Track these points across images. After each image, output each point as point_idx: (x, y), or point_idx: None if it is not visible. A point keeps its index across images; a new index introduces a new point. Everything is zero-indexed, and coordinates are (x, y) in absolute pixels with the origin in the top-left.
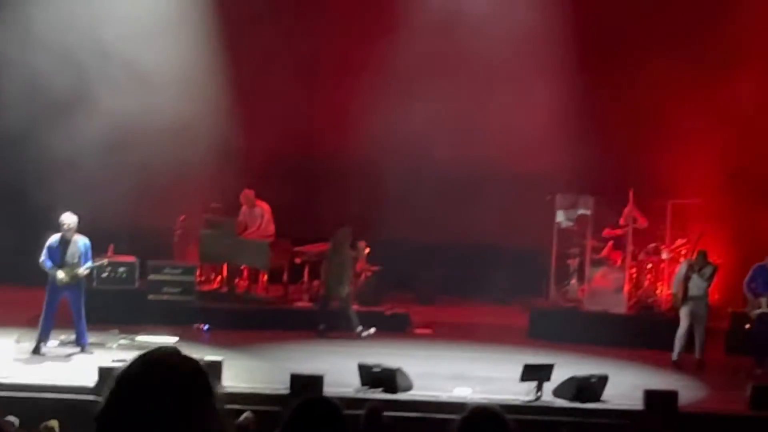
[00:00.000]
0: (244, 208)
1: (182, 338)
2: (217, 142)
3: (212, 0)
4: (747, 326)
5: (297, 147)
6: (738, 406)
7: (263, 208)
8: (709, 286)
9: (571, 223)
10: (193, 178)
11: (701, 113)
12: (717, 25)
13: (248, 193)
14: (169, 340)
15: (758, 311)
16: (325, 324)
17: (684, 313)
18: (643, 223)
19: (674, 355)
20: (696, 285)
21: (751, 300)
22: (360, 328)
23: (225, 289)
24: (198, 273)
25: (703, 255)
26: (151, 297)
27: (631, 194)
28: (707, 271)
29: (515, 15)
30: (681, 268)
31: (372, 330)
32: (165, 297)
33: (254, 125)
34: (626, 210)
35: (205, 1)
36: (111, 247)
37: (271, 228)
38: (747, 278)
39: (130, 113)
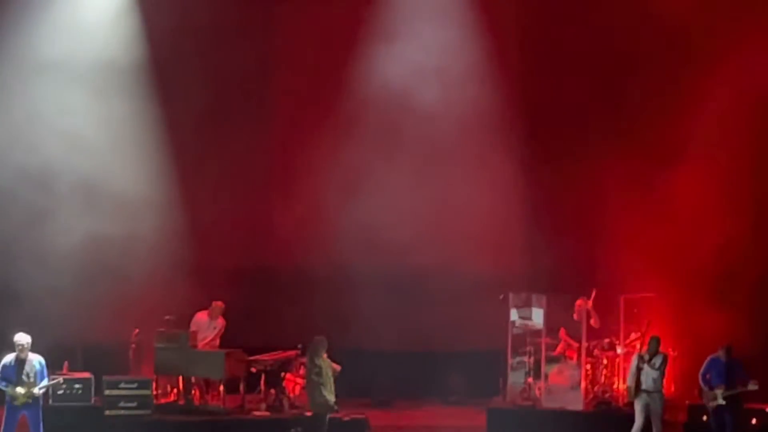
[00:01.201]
0: (199, 318)
1: None
2: (168, 254)
3: (159, 107)
4: (704, 418)
5: (246, 256)
6: None
7: (222, 323)
8: (662, 375)
9: (525, 322)
10: (145, 291)
11: (647, 210)
12: (663, 122)
13: (219, 305)
14: None
15: (714, 403)
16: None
17: (639, 408)
18: (595, 323)
19: None
20: (648, 376)
21: (705, 392)
22: None
23: (182, 402)
24: (154, 386)
25: (655, 342)
26: (107, 412)
27: (593, 293)
28: (657, 360)
29: (466, 125)
30: (633, 361)
31: None
32: (122, 412)
33: (203, 236)
34: (578, 303)
35: (153, 111)
36: (66, 363)
37: (217, 342)
38: (702, 370)
39: (81, 229)
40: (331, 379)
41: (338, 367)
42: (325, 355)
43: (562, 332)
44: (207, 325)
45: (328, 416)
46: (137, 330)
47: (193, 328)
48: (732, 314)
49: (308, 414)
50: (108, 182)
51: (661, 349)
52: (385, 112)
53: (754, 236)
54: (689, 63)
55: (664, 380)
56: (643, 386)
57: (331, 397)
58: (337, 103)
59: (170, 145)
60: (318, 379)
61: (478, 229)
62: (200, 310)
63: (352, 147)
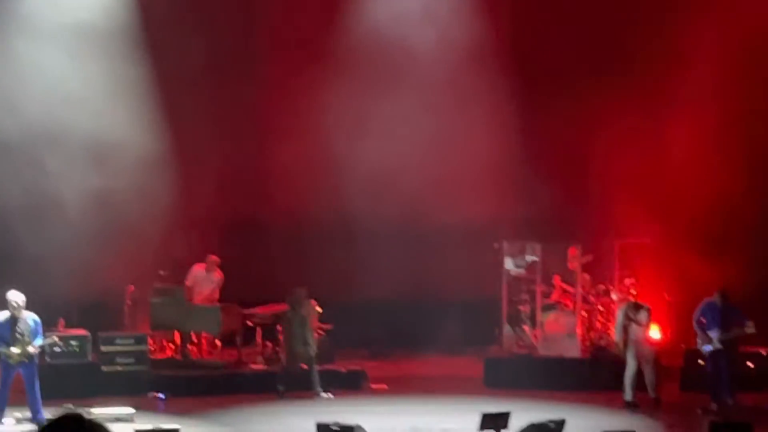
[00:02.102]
0: (196, 271)
1: (138, 408)
2: (162, 209)
3: (150, 63)
4: (700, 362)
5: (241, 209)
6: None
7: (219, 276)
8: (648, 327)
9: (520, 270)
10: (140, 246)
11: (642, 156)
12: (658, 68)
13: (214, 259)
14: (124, 411)
15: (709, 347)
16: (284, 385)
17: (630, 355)
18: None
19: (627, 396)
20: (636, 330)
21: (701, 336)
22: (320, 389)
23: (178, 357)
24: (150, 342)
25: (633, 304)
26: (104, 369)
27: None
28: (642, 316)
29: (459, 67)
30: (618, 316)
31: (331, 396)
32: (119, 368)
33: (198, 190)
34: (572, 251)
35: (144, 67)
36: (61, 321)
37: (217, 294)
38: (696, 314)
39: (73, 186)
40: (312, 332)
41: (326, 326)
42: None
43: (556, 279)
44: (204, 278)
45: (315, 367)
46: (132, 286)
47: (189, 281)
48: (727, 259)
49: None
50: (101, 138)
51: (651, 298)
52: (377, 56)
53: (749, 182)
54: (684, 8)
55: (653, 330)
56: (632, 337)
57: (310, 350)
58: (329, 47)
59: (163, 99)
60: (299, 331)
61: (473, 177)
62: (197, 263)
63: (344, 93)
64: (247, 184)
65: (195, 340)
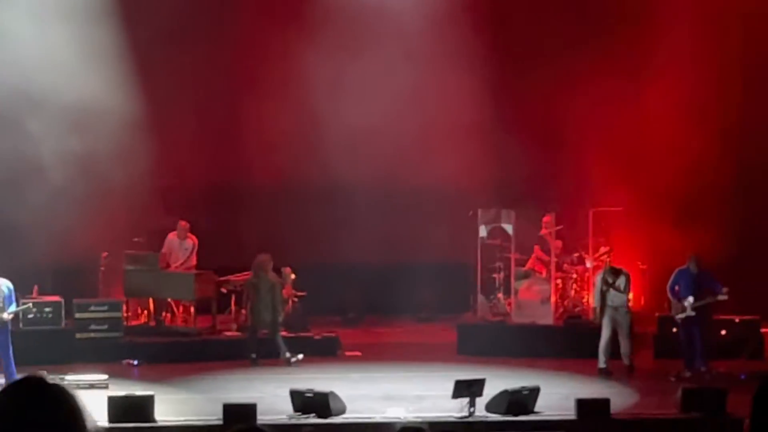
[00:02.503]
0: (172, 237)
1: (112, 375)
2: (135, 175)
3: (121, 27)
4: (674, 330)
5: (216, 175)
6: (669, 410)
7: (193, 241)
8: (627, 294)
9: (494, 238)
10: (114, 213)
11: (616, 124)
12: (633, 35)
13: (184, 225)
14: (98, 377)
15: (683, 315)
16: (256, 352)
17: (605, 322)
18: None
19: (600, 363)
20: (614, 296)
21: (674, 303)
22: (288, 354)
23: (152, 323)
24: (124, 309)
25: (611, 270)
26: (78, 335)
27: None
28: (621, 282)
29: (434, 31)
30: (597, 283)
31: (300, 356)
32: (92, 335)
33: (171, 156)
34: (546, 219)
35: (114, 30)
36: (35, 287)
37: (194, 261)
38: (670, 282)
39: (47, 151)
40: (279, 297)
41: (300, 293)
42: (271, 273)
43: (536, 249)
44: (179, 246)
45: (279, 334)
46: (106, 252)
47: (165, 249)
48: (701, 227)
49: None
50: (74, 103)
51: (625, 266)
52: (353, 16)
53: (722, 149)
54: None
55: (630, 296)
56: (609, 303)
57: (275, 316)
58: (304, 6)
59: (136, 62)
60: (264, 297)
61: (448, 143)
62: (171, 231)
63: (319, 55)
64: (223, 149)
65: (175, 309)
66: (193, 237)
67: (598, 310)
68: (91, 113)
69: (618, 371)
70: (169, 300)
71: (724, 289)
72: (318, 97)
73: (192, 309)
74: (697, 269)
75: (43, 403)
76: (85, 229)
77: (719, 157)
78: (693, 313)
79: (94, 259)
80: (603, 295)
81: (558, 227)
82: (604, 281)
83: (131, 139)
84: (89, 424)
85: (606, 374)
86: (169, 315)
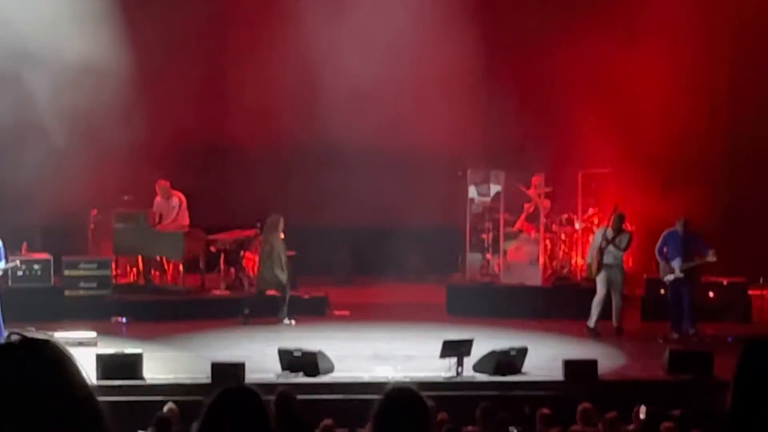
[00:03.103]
0: (158, 199)
1: (101, 332)
2: (124, 133)
3: None
4: (662, 292)
5: (205, 135)
6: (656, 372)
7: (179, 198)
8: (624, 253)
9: (484, 198)
10: (104, 171)
11: (605, 87)
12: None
13: (164, 184)
14: (87, 335)
15: (671, 276)
16: (249, 309)
17: (601, 281)
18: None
19: (591, 322)
20: (611, 254)
21: (662, 266)
22: (285, 316)
23: (141, 282)
24: (113, 266)
25: (620, 218)
26: (67, 293)
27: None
28: (623, 240)
29: None
30: (596, 237)
31: (293, 321)
32: (81, 292)
33: (161, 114)
34: (535, 180)
35: None
36: (24, 244)
37: (186, 219)
38: (658, 244)
39: (39, 109)
40: (285, 258)
41: (289, 253)
42: (281, 234)
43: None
44: (166, 206)
45: (287, 294)
46: (96, 210)
47: (154, 209)
48: (689, 189)
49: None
50: (67, 62)
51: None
52: None
53: (712, 110)
54: None
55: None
56: (605, 261)
57: (283, 276)
58: None
59: (128, 22)
60: (274, 256)
61: (436, 105)
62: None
63: (302, 16)
64: (215, 109)
65: (166, 267)
66: (178, 194)
67: (592, 267)
68: (83, 73)
69: (606, 332)
70: (158, 258)
71: (711, 252)
72: (310, 60)
73: (181, 267)
74: (685, 231)
75: (38, 362)
76: (75, 187)
77: (708, 120)
78: (681, 275)
79: (83, 217)
80: (601, 252)
81: (547, 189)
82: (605, 237)
83: (123, 98)
84: (83, 383)
85: (594, 334)
86: (158, 273)
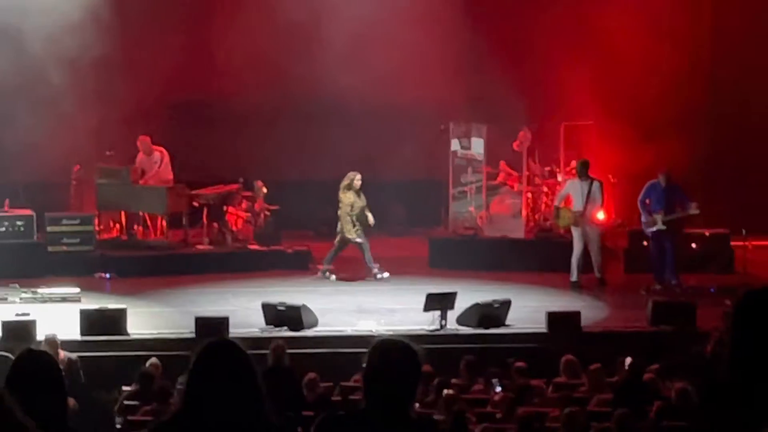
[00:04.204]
0: (140, 155)
1: (84, 288)
2: (105, 88)
3: None
4: (645, 244)
5: (188, 89)
6: (639, 323)
7: (161, 153)
8: (600, 203)
9: (465, 151)
10: (85, 126)
11: (587, 41)
12: None
13: (144, 140)
14: (71, 290)
15: (653, 228)
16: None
17: (577, 235)
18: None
19: (573, 276)
20: (584, 203)
21: (645, 217)
22: (376, 269)
23: (125, 237)
24: (96, 222)
25: (583, 165)
26: (50, 249)
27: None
28: (597, 194)
29: None
30: (566, 187)
31: (384, 274)
32: (65, 248)
33: (144, 69)
34: (521, 134)
35: None
36: (6, 201)
37: (169, 173)
38: (640, 196)
39: (19, 64)
40: (353, 214)
41: (272, 207)
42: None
43: (502, 164)
44: (148, 162)
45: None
46: (78, 166)
47: (137, 165)
48: (671, 141)
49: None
50: (45, 13)
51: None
52: None
53: (693, 63)
54: None
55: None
56: (575, 208)
57: (351, 233)
58: None
59: None
60: (344, 213)
61: (420, 59)
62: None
63: None
64: (196, 64)
65: (150, 222)
66: (160, 148)
67: (566, 216)
68: (65, 29)
69: (590, 285)
70: (141, 213)
71: (693, 204)
72: (294, 16)
73: (164, 222)
74: (667, 183)
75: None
76: (57, 143)
77: (690, 70)
78: (664, 227)
79: (66, 173)
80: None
81: (528, 143)
82: (582, 194)
83: (106, 54)
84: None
85: (578, 288)
86: (141, 228)
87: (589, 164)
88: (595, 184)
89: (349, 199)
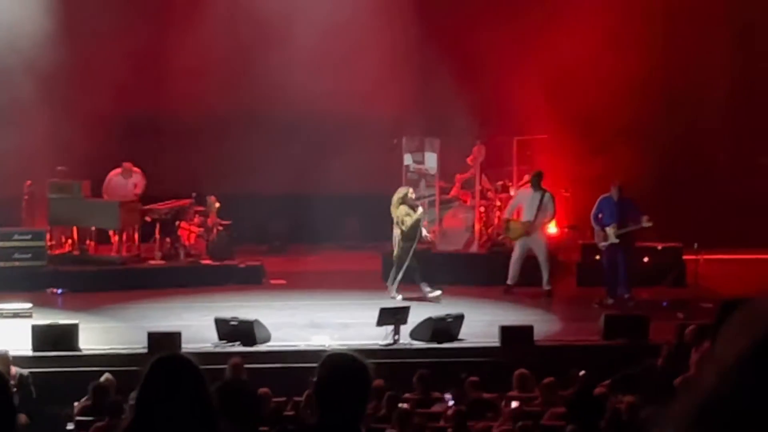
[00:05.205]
0: (117, 174)
1: (36, 304)
2: (56, 102)
3: None
4: (597, 257)
5: (139, 103)
6: (592, 337)
7: (139, 178)
8: (552, 215)
9: (418, 166)
10: (37, 140)
11: (539, 55)
12: None
13: (128, 166)
14: (22, 306)
15: (606, 243)
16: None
17: (520, 242)
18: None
19: (509, 279)
20: (536, 213)
21: (598, 231)
22: (393, 288)
23: (76, 252)
24: (48, 237)
25: (537, 176)
26: (2, 264)
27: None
28: (548, 201)
29: None
30: (517, 198)
31: (398, 296)
32: (16, 263)
33: (96, 84)
34: (476, 148)
35: None
36: None
37: (138, 190)
38: (593, 210)
39: None
40: (403, 231)
41: (224, 222)
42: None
43: (458, 177)
44: (124, 183)
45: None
46: (30, 181)
47: (107, 189)
48: (624, 155)
49: None
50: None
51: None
52: None
53: (646, 77)
54: None
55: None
56: (524, 218)
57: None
58: None
59: None
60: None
61: (373, 73)
62: (104, 162)
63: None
64: (147, 78)
65: (113, 238)
66: (138, 171)
67: (516, 228)
68: (14, 39)
69: (538, 297)
70: (93, 228)
71: (645, 218)
72: (244, 30)
73: (116, 237)
74: (619, 197)
75: None
76: (8, 158)
77: (643, 86)
78: (617, 240)
79: (17, 188)
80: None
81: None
82: (534, 206)
83: (56, 68)
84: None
85: (509, 292)
86: (93, 243)
87: (543, 175)
88: (547, 195)
89: (401, 214)
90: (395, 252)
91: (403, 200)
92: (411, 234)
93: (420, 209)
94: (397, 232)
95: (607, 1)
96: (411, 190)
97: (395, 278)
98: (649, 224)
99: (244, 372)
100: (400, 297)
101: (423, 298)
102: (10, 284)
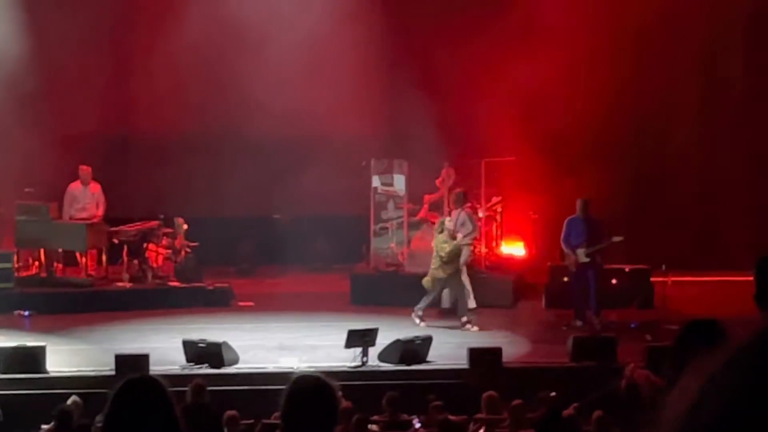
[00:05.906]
0: (77, 183)
1: (3, 326)
2: (23, 123)
3: None
4: (565, 279)
5: (107, 126)
6: (560, 358)
7: (98, 189)
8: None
9: (387, 188)
10: (3, 163)
11: (507, 77)
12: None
13: (85, 170)
14: None
15: (577, 263)
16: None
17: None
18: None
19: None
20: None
21: (568, 254)
22: (465, 319)
23: (44, 274)
24: (15, 259)
25: (460, 196)
26: None
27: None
28: (468, 225)
29: None
30: (438, 225)
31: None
32: None
33: (63, 106)
34: (445, 171)
35: None
36: None
37: (101, 212)
38: (563, 233)
39: None
40: (435, 252)
41: (192, 244)
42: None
43: (426, 197)
44: (82, 193)
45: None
46: None
47: (67, 200)
48: (592, 177)
49: None
50: None
51: (517, 215)
52: None
53: (615, 99)
54: None
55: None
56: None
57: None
58: None
59: (24, 7)
60: (435, 253)
61: (342, 95)
62: (71, 181)
63: (203, 7)
64: (113, 98)
65: (80, 260)
66: (96, 184)
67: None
68: None
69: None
70: (60, 250)
71: (615, 238)
72: (212, 51)
73: (83, 259)
74: (585, 215)
75: None
76: None
77: (611, 108)
78: (588, 259)
79: None
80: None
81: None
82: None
83: (24, 90)
84: None
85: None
86: (60, 265)
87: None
88: (463, 214)
89: (440, 242)
90: (436, 275)
91: (441, 230)
92: (453, 257)
93: (460, 236)
94: (435, 261)
95: (577, 24)
96: (448, 218)
97: (465, 307)
98: (620, 239)
99: (207, 394)
100: (475, 328)
101: (456, 327)
102: None
